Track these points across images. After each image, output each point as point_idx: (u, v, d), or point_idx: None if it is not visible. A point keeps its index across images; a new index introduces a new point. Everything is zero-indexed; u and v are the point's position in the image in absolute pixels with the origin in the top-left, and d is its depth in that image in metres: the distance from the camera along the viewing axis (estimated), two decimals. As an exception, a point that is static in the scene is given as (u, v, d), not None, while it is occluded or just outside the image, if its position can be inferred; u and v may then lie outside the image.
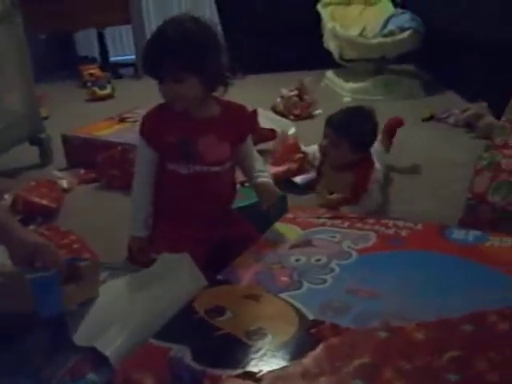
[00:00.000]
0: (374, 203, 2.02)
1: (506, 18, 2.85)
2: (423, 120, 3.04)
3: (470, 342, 1.04)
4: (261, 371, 1.00)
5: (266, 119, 2.62)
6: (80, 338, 1.13)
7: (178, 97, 1.46)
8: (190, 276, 1.33)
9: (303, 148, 2.33)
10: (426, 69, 4.08)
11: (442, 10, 3.72)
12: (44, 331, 1.15)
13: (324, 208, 2.01)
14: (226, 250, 1.51)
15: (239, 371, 1.00)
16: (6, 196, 2.16)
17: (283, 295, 1.24)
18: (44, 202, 2.14)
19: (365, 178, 2.05)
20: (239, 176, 1.68)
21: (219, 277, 1.35)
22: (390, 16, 3.72)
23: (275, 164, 2.30)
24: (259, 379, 0.98)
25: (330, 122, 2.08)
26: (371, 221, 1.58)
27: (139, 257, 1.57)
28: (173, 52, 1.41)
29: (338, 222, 1.59)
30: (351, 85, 3.68)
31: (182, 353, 1.06)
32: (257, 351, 1.06)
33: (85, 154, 2.55)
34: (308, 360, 1.02)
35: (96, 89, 3.98)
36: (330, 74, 3.98)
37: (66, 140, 2.65)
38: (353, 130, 2.02)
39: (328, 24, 3.79)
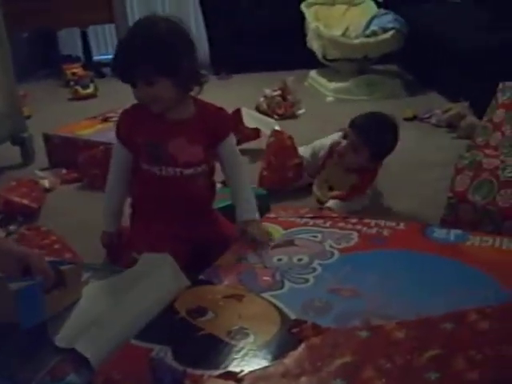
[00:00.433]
0: (361, 206, 2.04)
1: (489, 18, 2.87)
2: (405, 120, 3.05)
3: (450, 340, 1.05)
4: (242, 371, 1.00)
5: (251, 118, 2.61)
6: (61, 339, 1.13)
7: (152, 100, 1.46)
8: (172, 276, 1.32)
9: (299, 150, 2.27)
10: (409, 69, 4.10)
11: (425, 11, 3.74)
12: (22, 333, 1.13)
13: (319, 202, 2.03)
14: (207, 250, 1.51)
15: (221, 371, 1.01)
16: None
17: (265, 295, 1.25)
18: (25, 201, 2.12)
19: (367, 183, 2.07)
20: (220, 176, 1.67)
21: (201, 277, 1.35)
22: (373, 16, 3.73)
23: (270, 170, 2.21)
24: (241, 379, 0.98)
25: (355, 125, 2.06)
26: (353, 220, 1.59)
27: (108, 252, 1.64)
28: (144, 55, 1.39)
29: (320, 221, 1.59)
30: (334, 84, 3.68)
31: (164, 353, 1.06)
32: (238, 351, 1.06)
33: (67, 154, 2.53)
34: (289, 360, 1.02)
35: (79, 88, 3.95)
36: (313, 73, 3.98)
37: (47, 139, 2.63)
38: (376, 138, 2.02)
39: (311, 24, 3.79)
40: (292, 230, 1.56)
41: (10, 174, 2.51)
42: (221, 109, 1.59)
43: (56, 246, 1.80)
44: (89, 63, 4.71)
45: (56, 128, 2.73)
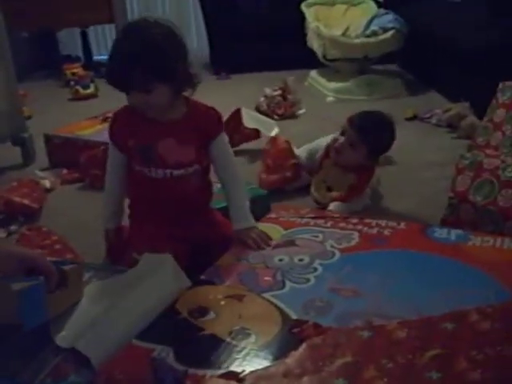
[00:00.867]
0: (362, 205, 2.04)
1: (489, 18, 2.87)
2: (406, 120, 3.05)
3: (451, 340, 1.05)
4: (244, 371, 1.00)
5: (250, 119, 2.61)
6: (62, 339, 1.13)
7: (148, 107, 1.45)
8: (174, 276, 1.32)
9: (296, 151, 2.28)
10: (409, 69, 4.10)
11: (425, 11, 3.74)
12: (24, 333, 1.13)
13: (317, 202, 2.03)
14: (207, 250, 1.51)
15: (222, 371, 1.01)
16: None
17: (266, 295, 1.25)
18: (25, 201, 2.12)
19: (365, 182, 2.07)
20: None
21: (202, 277, 1.35)
22: (373, 16, 3.73)
23: (268, 172, 2.23)
24: (242, 379, 0.98)
25: (354, 122, 2.06)
26: (354, 220, 1.59)
27: (108, 252, 1.67)
28: (142, 64, 1.37)
29: (321, 221, 1.59)
30: (334, 84, 3.68)
31: (165, 353, 1.06)
32: (240, 351, 1.06)
33: (67, 154, 2.52)
34: (291, 360, 1.02)
35: (79, 88, 3.95)
36: (313, 73, 3.98)
37: (48, 139, 2.63)
38: (374, 136, 2.03)
39: (312, 24, 3.79)
40: (293, 229, 1.56)
41: (11, 175, 2.51)
42: (211, 108, 1.57)
43: (57, 246, 1.81)
44: (89, 63, 4.71)
45: (56, 128, 2.73)
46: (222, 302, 1.24)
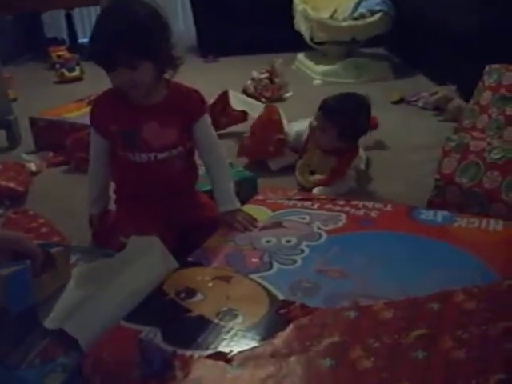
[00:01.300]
0: (347, 188, 2.04)
1: (477, 1, 2.87)
2: (392, 103, 3.06)
3: (437, 320, 1.06)
4: (231, 352, 1.01)
5: (238, 101, 2.61)
6: (50, 321, 1.13)
7: (133, 85, 1.43)
8: (161, 259, 1.32)
9: (286, 126, 2.27)
10: (396, 52, 4.10)
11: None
12: (11, 317, 1.13)
13: (301, 186, 2.03)
14: (194, 232, 1.51)
15: (210, 352, 1.01)
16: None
17: (254, 276, 1.25)
18: (11, 185, 2.10)
19: (345, 164, 2.06)
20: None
21: (190, 259, 1.35)
22: (361, -1, 3.73)
23: (251, 140, 2.24)
24: (230, 359, 0.99)
25: (322, 105, 2.07)
26: (341, 202, 1.59)
27: (94, 236, 1.67)
28: (127, 41, 1.36)
29: (308, 203, 1.60)
30: (322, 67, 3.68)
31: (153, 334, 1.06)
32: (227, 332, 1.07)
33: (53, 137, 2.51)
34: (278, 340, 1.03)
35: (64, 71, 3.92)
36: (300, 56, 3.97)
37: (33, 122, 2.61)
38: (342, 118, 2.01)
39: (299, 6, 3.78)
40: (280, 211, 1.56)
41: (-4, 158, 2.49)
42: (193, 90, 1.56)
43: (43, 230, 1.80)
44: (74, 46, 4.67)
45: (42, 111, 2.71)
46: (210, 284, 1.24)
